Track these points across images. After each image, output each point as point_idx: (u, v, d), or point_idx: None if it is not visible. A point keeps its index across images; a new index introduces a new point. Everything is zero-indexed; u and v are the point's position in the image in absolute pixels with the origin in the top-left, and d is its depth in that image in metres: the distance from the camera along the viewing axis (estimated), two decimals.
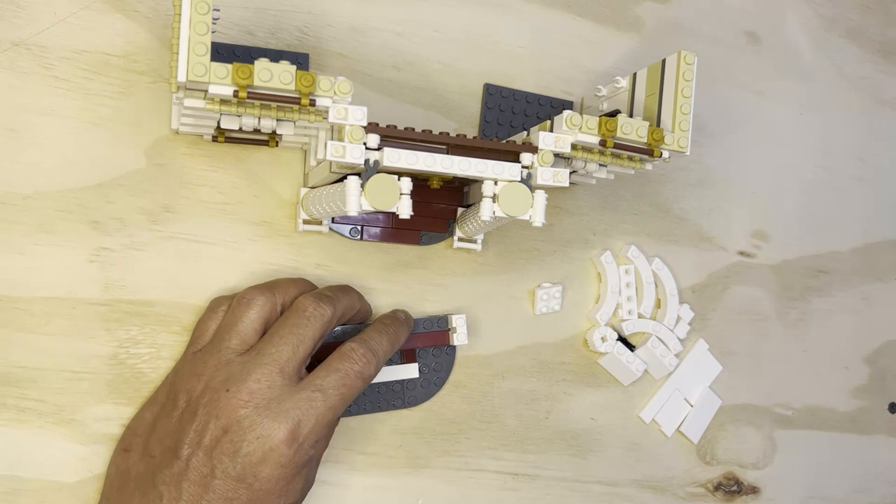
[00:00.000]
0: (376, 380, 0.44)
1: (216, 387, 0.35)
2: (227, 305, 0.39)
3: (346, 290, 0.41)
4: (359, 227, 0.44)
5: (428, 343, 0.45)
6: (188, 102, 0.34)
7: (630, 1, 0.51)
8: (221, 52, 0.40)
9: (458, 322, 0.45)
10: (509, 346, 0.48)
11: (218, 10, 0.37)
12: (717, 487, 0.54)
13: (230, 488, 0.34)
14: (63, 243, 0.39)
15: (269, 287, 0.39)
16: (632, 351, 0.50)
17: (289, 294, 0.39)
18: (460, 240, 0.46)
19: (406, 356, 0.45)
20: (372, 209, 0.33)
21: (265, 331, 0.38)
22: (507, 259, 0.48)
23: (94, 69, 0.39)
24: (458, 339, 0.45)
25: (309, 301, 0.38)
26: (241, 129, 0.38)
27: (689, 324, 0.52)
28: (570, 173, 0.43)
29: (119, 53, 0.40)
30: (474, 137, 0.37)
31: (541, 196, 0.37)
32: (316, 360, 0.38)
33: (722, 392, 0.54)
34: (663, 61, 0.40)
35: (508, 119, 0.47)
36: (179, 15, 0.31)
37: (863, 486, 0.59)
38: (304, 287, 0.40)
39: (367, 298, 0.44)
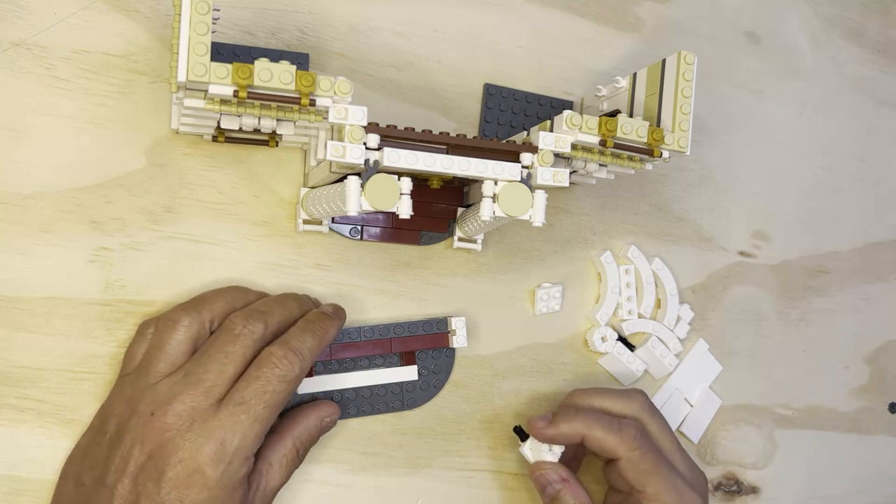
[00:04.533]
0: (376, 381, 0.44)
1: (142, 410, 0.35)
2: (154, 328, 0.38)
3: (281, 300, 0.39)
4: (359, 227, 0.44)
5: (427, 345, 0.45)
6: (188, 102, 0.34)
7: (630, 1, 0.51)
8: (221, 52, 0.40)
9: (457, 324, 0.45)
10: (509, 346, 0.48)
11: (218, 10, 0.37)
12: (717, 487, 0.54)
13: None
14: (63, 243, 0.39)
15: (195, 305, 0.38)
16: (632, 351, 0.50)
17: (216, 309, 0.38)
18: (460, 240, 0.46)
19: (405, 358, 0.45)
20: (372, 209, 0.33)
21: (195, 350, 0.37)
22: (507, 259, 0.48)
23: (94, 69, 0.39)
24: (458, 341, 0.45)
25: (238, 319, 0.36)
26: (241, 129, 0.38)
27: (689, 324, 0.52)
28: (570, 173, 0.43)
29: (119, 53, 0.40)
30: (474, 137, 0.37)
31: (541, 196, 0.36)
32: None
33: (722, 392, 0.54)
34: (663, 61, 0.40)
35: (508, 119, 0.47)
36: (179, 15, 0.31)
37: (863, 486, 0.59)
38: (233, 299, 0.39)
39: (367, 298, 0.44)
